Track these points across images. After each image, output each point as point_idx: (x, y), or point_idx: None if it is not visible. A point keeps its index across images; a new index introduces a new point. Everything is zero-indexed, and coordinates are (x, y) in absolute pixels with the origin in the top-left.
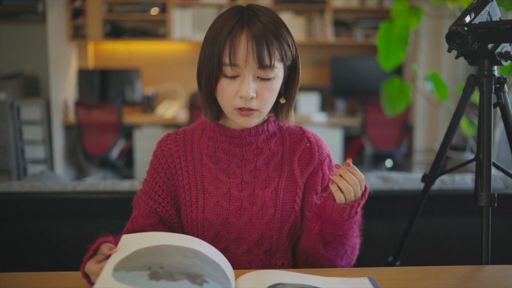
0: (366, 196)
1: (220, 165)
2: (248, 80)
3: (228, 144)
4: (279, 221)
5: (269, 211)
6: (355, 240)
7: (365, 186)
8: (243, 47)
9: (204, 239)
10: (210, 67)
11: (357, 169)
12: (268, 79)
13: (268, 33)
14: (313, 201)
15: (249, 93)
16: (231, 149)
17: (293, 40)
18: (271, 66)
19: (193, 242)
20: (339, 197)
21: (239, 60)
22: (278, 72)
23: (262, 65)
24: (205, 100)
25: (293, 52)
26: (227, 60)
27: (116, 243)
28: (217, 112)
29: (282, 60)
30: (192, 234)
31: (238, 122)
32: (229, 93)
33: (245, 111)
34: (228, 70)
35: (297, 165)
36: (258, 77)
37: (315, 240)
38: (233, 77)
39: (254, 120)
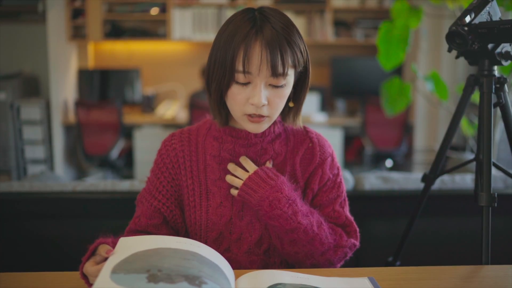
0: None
1: (223, 166)
2: (260, 87)
3: (233, 144)
4: None
5: None
6: (316, 237)
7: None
8: (257, 55)
9: (207, 240)
10: (222, 73)
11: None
12: (280, 87)
13: (282, 41)
14: (308, 200)
15: (261, 101)
16: (236, 149)
17: (304, 45)
18: (284, 74)
19: (191, 245)
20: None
21: (252, 68)
22: (290, 79)
23: (275, 74)
24: (215, 104)
25: (304, 58)
26: (240, 67)
27: (115, 244)
28: (226, 116)
29: (294, 66)
30: (195, 235)
31: (248, 128)
32: (240, 100)
33: (256, 117)
34: (240, 77)
35: (299, 165)
36: (270, 85)
37: (273, 237)
38: (245, 84)
39: (264, 126)
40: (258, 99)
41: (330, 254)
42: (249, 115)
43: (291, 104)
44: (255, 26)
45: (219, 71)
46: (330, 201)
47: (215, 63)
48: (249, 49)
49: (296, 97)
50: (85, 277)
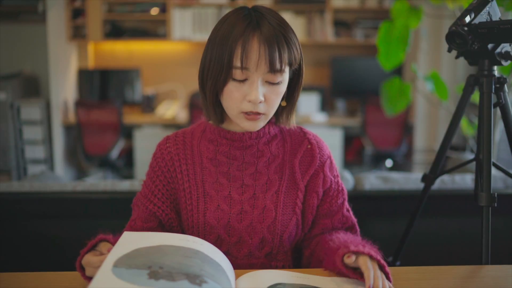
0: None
1: (220, 168)
2: (257, 84)
3: (229, 147)
4: (280, 224)
5: (270, 215)
6: None
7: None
8: (256, 51)
9: None
10: (218, 70)
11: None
12: (277, 83)
13: (280, 37)
14: (314, 204)
15: (258, 97)
16: (232, 152)
17: (299, 43)
18: (281, 71)
19: (194, 242)
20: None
21: (250, 63)
22: (285, 76)
23: (273, 69)
24: (210, 103)
25: (299, 56)
26: (238, 63)
27: (115, 242)
28: (221, 115)
29: (290, 64)
30: None
31: (244, 126)
32: (236, 97)
33: (252, 115)
34: (237, 73)
35: (298, 167)
36: (266, 81)
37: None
38: (242, 81)
39: (260, 124)
40: (256, 96)
41: None
42: (246, 113)
43: (283, 104)
44: (252, 23)
45: (215, 69)
46: (339, 206)
47: (211, 61)
48: (247, 45)
49: (290, 96)
50: (82, 269)
